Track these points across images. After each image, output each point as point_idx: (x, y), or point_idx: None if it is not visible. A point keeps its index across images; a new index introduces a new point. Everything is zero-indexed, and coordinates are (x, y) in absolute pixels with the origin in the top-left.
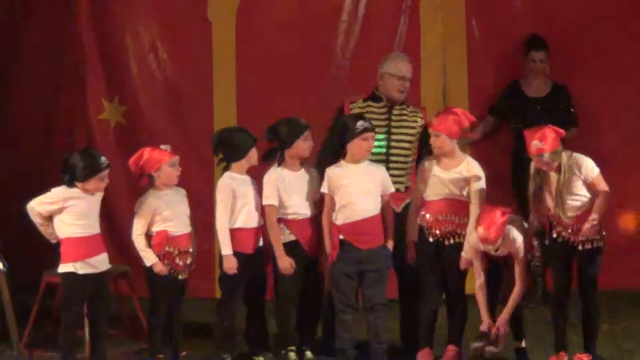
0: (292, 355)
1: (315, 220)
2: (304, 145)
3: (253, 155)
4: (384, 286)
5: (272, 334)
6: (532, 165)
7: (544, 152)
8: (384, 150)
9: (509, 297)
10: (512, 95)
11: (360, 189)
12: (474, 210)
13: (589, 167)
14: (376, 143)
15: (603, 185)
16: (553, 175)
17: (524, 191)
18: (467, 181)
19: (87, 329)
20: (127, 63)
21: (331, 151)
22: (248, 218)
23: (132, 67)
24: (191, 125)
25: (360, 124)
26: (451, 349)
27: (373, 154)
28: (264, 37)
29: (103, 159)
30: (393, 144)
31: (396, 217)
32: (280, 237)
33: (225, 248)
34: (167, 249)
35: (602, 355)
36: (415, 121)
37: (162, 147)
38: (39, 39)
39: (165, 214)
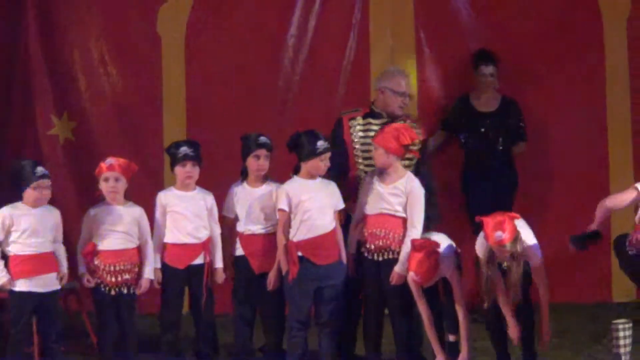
0: None
1: (269, 237)
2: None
3: (178, 172)
4: (339, 302)
5: (229, 346)
6: (486, 251)
7: (506, 242)
8: None
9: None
10: (462, 109)
11: (319, 204)
12: (409, 227)
13: (535, 257)
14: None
15: (543, 276)
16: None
17: (475, 205)
18: (404, 197)
19: (36, 346)
20: (76, 78)
21: (334, 163)
22: (179, 234)
23: (81, 83)
24: (140, 140)
25: (320, 144)
26: None
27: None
28: (214, 52)
29: (39, 169)
30: None
31: None
32: (233, 250)
33: (155, 261)
34: (95, 262)
35: None
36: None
37: (107, 160)
38: None
39: (99, 228)
